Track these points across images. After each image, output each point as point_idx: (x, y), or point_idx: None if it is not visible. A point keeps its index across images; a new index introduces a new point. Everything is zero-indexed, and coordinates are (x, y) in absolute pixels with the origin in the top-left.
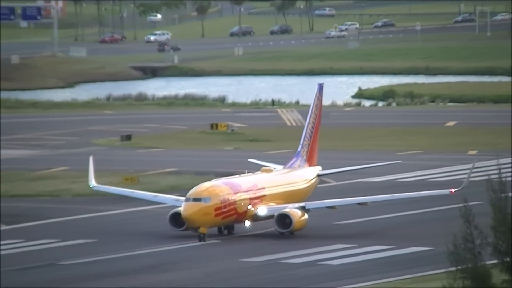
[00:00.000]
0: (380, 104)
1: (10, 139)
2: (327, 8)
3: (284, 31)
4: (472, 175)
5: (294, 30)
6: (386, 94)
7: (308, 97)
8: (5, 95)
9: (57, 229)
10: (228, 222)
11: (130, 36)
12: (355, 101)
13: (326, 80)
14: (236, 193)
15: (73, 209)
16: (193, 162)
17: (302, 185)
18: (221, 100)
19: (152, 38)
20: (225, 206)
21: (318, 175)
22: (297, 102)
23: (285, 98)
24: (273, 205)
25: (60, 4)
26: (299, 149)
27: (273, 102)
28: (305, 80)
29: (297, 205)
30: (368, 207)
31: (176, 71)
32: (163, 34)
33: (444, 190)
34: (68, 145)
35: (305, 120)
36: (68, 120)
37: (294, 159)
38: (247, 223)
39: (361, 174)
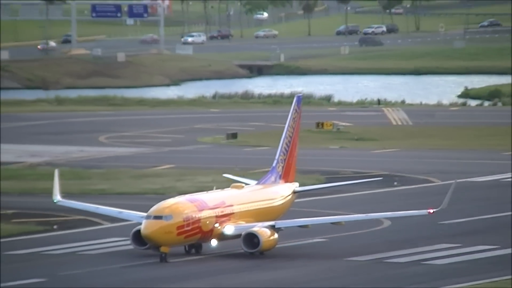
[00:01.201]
0: (486, 103)
1: (117, 137)
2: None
3: (390, 30)
4: None
5: (400, 29)
6: (492, 94)
7: (415, 96)
8: (111, 92)
9: None
10: (192, 240)
11: (236, 34)
12: (460, 100)
13: (433, 80)
14: (201, 210)
15: None
16: (299, 160)
17: (275, 203)
18: (327, 99)
19: (262, 33)
20: (188, 225)
21: (295, 192)
22: (403, 102)
23: (391, 97)
24: (242, 223)
25: (167, 2)
26: (274, 164)
27: (379, 101)
28: (412, 79)
29: (266, 224)
30: (481, 205)
31: (282, 69)
32: (270, 31)
33: (423, 211)
34: (174, 143)
35: (410, 119)
36: (174, 118)
37: (269, 175)
38: (214, 242)
39: (465, 174)
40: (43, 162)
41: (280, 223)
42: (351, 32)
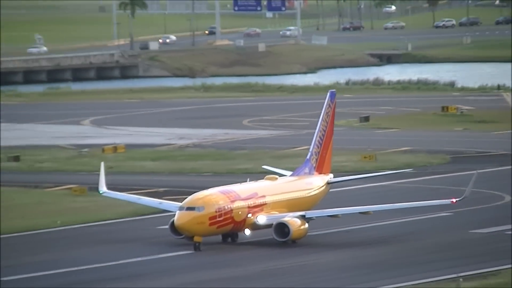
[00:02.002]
0: None
1: (258, 120)
2: None
3: (509, 21)
4: None
5: None
6: None
7: None
8: (253, 79)
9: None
10: (225, 230)
11: (367, 26)
12: None
13: None
14: (233, 201)
15: None
16: (426, 141)
17: (308, 193)
18: (451, 85)
19: (390, 25)
20: (220, 215)
21: (328, 183)
22: None
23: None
24: (274, 213)
25: None
26: (308, 156)
27: (498, 87)
28: None
29: (297, 214)
30: None
31: (409, 58)
32: (398, 23)
33: (446, 200)
34: (311, 126)
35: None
36: (311, 103)
37: (303, 167)
38: (247, 231)
39: None
40: (191, 144)
41: (310, 213)
42: (472, 23)
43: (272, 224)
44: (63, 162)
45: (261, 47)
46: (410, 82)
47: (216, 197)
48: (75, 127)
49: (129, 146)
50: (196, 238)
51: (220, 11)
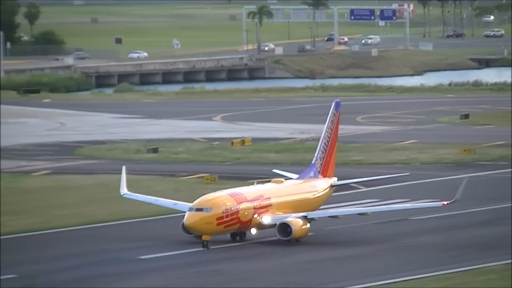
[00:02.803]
0: None
1: (370, 117)
2: None
3: None
4: None
5: None
6: None
7: None
8: (366, 81)
9: (407, 191)
10: (232, 230)
11: (468, 34)
12: None
13: None
14: (239, 203)
15: (421, 175)
16: None
17: (311, 195)
18: None
19: (491, 33)
20: (227, 216)
21: (332, 186)
22: None
23: None
24: (279, 214)
25: (411, 6)
26: (313, 161)
27: None
28: None
29: (299, 214)
30: None
31: (505, 62)
32: (498, 31)
33: (437, 202)
34: (417, 122)
35: None
36: (417, 102)
37: (308, 171)
38: (253, 230)
39: None
40: (310, 137)
41: (312, 214)
42: None
43: (276, 223)
44: (196, 154)
45: (374, 52)
46: (505, 83)
47: (224, 199)
48: (207, 123)
49: (255, 140)
50: (204, 237)
51: (338, 19)
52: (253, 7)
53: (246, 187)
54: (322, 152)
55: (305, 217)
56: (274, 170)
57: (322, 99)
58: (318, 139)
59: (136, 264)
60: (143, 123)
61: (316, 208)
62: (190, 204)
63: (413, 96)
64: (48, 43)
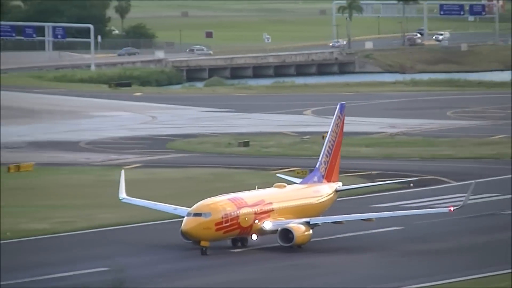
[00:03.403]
0: None
1: (460, 112)
2: None
3: None
4: None
5: None
6: None
7: None
8: (456, 76)
9: (499, 185)
10: (232, 236)
11: None
12: None
13: None
14: (240, 208)
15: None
16: None
17: (315, 200)
18: None
19: None
20: (226, 221)
21: (336, 191)
22: None
23: None
24: (281, 219)
25: (501, 2)
26: (317, 165)
27: None
28: None
29: (302, 220)
30: None
31: None
32: None
33: (444, 208)
34: (507, 116)
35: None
36: (507, 97)
37: (312, 175)
38: (254, 236)
39: None
40: (400, 132)
41: (314, 220)
42: None
43: (277, 229)
44: (287, 148)
45: (464, 46)
46: None
47: (223, 204)
48: (298, 117)
49: (345, 134)
50: (203, 243)
51: (428, 15)
52: (343, 2)
53: (247, 191)
54: (327, 156)
55: (307, 223)
56: (278, 175)
57: (412, 93)
58: (408, 134)
59: (230, 256)
60: (234, 117)
61: (320, 213)
62: (189, 209)
63: (503, 91)
64: (139, 37)
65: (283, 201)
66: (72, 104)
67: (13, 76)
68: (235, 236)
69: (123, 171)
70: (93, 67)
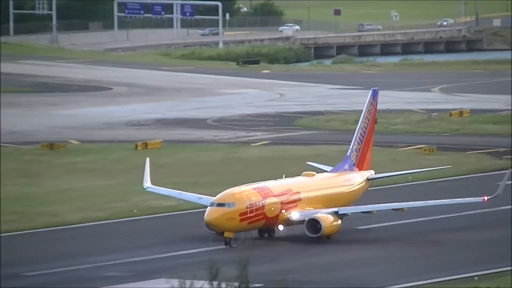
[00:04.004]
0: None
1: None
2: None
3: None
4: None
5: None
6: None
7: None
8: None
9: None
10: (257, 226)
11: None
12: None
13: None
14: (265, 198)
15: None
16: None
17: (345, 189)
18: None
19: None
20: (251, 211)
21: (368, 179)
22: None
23: None
24: (310, 209)
25: None
26: (348, 153)
27: None
28: None
29: (330, 210)
30: None
31: None
32: None
33: (477, 198)
34: None
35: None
36: None
37: (342, 163)
38: (281, 227)
39: None
40: None
41: (343, 210)
42: None
43: (305, 220)
44: (414, 125)
45: None
46: None
47: (248, 193)
48: (426, 94)
49: (473, 111)
50: (227, 234)
51: None
52: None
53: (274, 180)
54: (358, 144)
55: (336, 213)
56: (309, 163)
57: None
58: None
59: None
60: (362, 94)
61: (351, 203)
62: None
63: None
64: (267, 15)
65: (311, 190)
66: (200, 81)
67: (141, 54)
68: (261, 227)
69: (148, 159)
70: (221, 45)
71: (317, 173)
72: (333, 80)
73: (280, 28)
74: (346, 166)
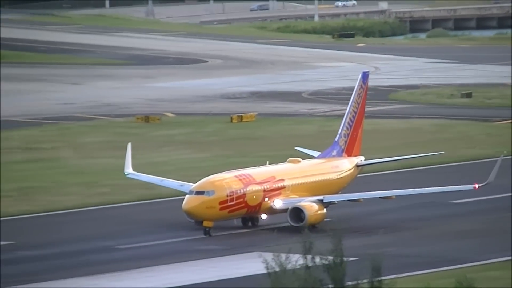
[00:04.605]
0: None
1: None
2: None
3: None
4: None
5: None
6: None
7: None
8: None
9: None
10: (238, 215)
11: None
12: None
13: None
14: (246, 185)
15: None
16: None
17: (333, 176)
18: None
19: None
20: (232, 199)
21: (358, 166)
22: None
23: None
24: (295, 197)
25: None
26: (336, 138)
27: None
28: None
29: (314, 198)
30: None
31: None
32: None
33: (468, 186)
34: None
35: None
36: None
37: (330, 149)
38: (264, 216)
39: None
40: None
41: (328, 198)
42: None
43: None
44: (508, 99)
45: None
46: None
47: (228, 181)
48: None
49: None
50: (206, 223)
51: None
52: None
53: (257, 167)
54: (347, 129)
55: (321, 201)
56: (297, 148)
57: None
58: None
59: (449, 208)
60: (457, 68)
61: (339, 190)
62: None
63: None
64: None
65: (297, 177)
66: (295, 54)
67: (236, 27)
68: (243, 216)
69: (129, 144)
70: (316, 18)
71: (304, 159)
72: (428, 53)
73: (336, 3)
74: (334, 152)
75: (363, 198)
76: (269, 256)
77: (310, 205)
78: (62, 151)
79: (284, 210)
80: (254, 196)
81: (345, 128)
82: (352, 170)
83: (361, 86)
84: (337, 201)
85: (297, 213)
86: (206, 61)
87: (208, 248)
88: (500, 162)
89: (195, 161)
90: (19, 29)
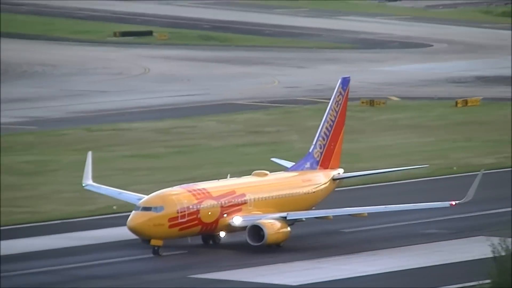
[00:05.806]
0: None
1: None
2: None
3: None
4: None
5: None
6: None
7: None
8: None
9: None
10: (191, 233)
11: None
12: None
13: None
14: (201, 200)
15: None
16: None
17: (304, 191)
18: None
19: None
20: (183, 216)
21: (335, 179)
22: None
23: None
24: (257, 213)
25: None
26: (310, 150)
27: None
28: None
29: (277, 215)
30: None
31: None
32: None
33: (444, 203)
34: None
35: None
36: None
37: (303, 161)
38: (222, 234)
39: None
40: None
41: (292, 215)
42: None
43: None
44: None
45: None
46: None
47: (179, 196)
48: None
49: None
50: (154, 242)
51: None
52: None
53: (215, 181)
54: (323, 139)
55: (284, 218)
56: (272, 159)
57: None
58: None
59: None
60: None
61: (312, 206)
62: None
63: None
64: None
65: (261, 192)
66: None
67: (461, 11)
68: (197, 234)
69: (89, 154)
70: None
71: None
72: None
73: None
74: (308, 164)
75: (333, 216)
76: (495, 240)
77: (271, 223)
78: (286, 134)
79: (244, 228)
80: (209, 213)
81: (320, 139)
82: (327, 184)
83: (340, 93)
84: (305, 218)
85: (257, 231)
86: (431, 45)
87: (431, 232)
88: (480, 178)
89: (420, 145)
90: (247, 12)
